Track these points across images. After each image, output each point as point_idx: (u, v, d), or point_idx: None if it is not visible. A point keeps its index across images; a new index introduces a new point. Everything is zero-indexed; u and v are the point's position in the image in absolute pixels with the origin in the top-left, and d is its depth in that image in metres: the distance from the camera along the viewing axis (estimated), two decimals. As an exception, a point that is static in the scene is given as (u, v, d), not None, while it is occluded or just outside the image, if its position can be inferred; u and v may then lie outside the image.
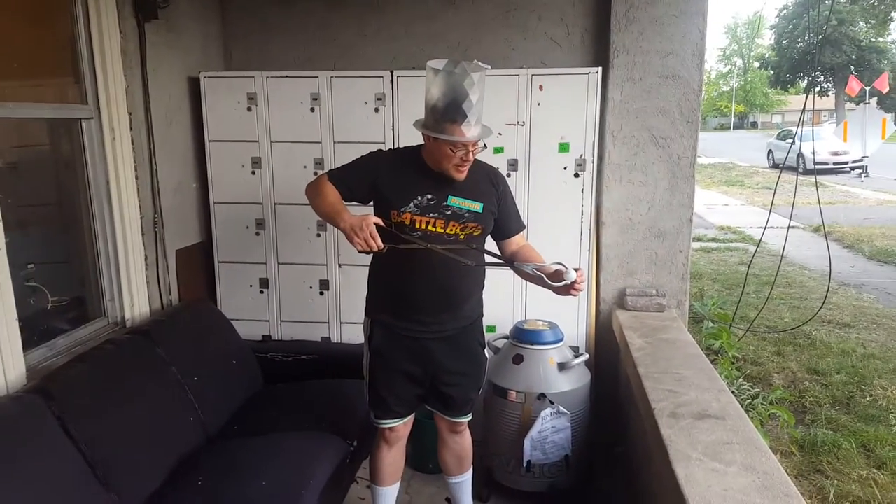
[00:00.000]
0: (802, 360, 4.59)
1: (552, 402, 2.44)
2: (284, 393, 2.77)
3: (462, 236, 2.04)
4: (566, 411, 2.45)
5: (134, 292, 2.73)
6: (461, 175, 1.98)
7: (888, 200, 12.48)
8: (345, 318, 3.13)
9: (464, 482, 2.42)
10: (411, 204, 2.00)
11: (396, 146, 2.84)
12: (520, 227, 2.21)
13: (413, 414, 2.27)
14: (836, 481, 3.03)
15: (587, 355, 2.67)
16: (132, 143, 2.70)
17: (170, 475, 2.11)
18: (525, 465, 2.48)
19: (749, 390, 3.82)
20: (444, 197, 2.01)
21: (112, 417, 2.01)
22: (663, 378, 2.19)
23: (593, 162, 2.83)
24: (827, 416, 3.73)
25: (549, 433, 2.45)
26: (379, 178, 2.04)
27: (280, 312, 3.20)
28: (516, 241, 2.19)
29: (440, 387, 2.17)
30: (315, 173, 3.01)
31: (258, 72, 3.02)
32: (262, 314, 3.21)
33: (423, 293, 2.05)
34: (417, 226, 2.00)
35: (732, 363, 3.87)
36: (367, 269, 2.23)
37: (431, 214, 2.01)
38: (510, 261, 2.06)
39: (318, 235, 3.08)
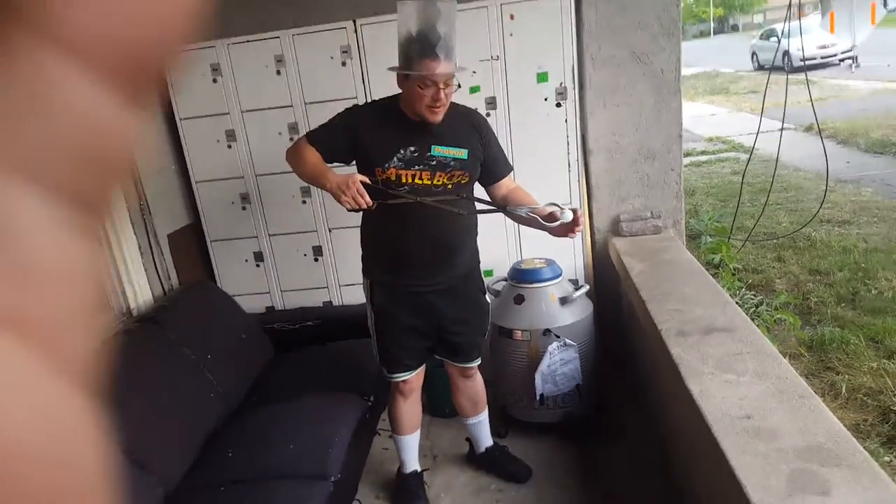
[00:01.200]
0: (804, 262, 4.59)
1: (558, 336, 2.46)
2: (296, 359, 2.82)
3: (451, 186, 2.00)
4: (573, 343, 2.47)
5: (134, 281, 2.73)
6: (436, 117, 1.90)
7: (881, 89, 12.24)
8: (343, 281, 3.13)
9: (481, 422, 2.48)
10: (395, 159, 1.95)
11: (370, 100, 2.76)
12: (508, 168, 2.18)
13: (424, 365, 2.30)
14: (847, 376, 3.07)
15: (587, 286, 2.67)
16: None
17: (200, 452, 2.18)
18: (538, 398, 2.52)
19: (752, 299, 3.84)
20: (428, 147, 1.97)
21: (138, 404, 2.05)
22: (666, 299, 2.19)
23: (574, 89, 2.76)
24: (833, 314, 3.76)
25: (558, 366, 2.48)
26: (359, 135, 1.98)
27: (279, 283, 3.19)
28: (505, 185, 2.15)
29: (447, 336, 2.20)
30: (291, 139, 2.92)
31: (218, 40, 2.91)
32: (262, 287, 3.20)
33: (418, 248, 2.04)
34: (404, 180, 1.96)
35: (734, 274, 3.88)
36: (358, 230, 2.21)
37: (417, 167, 1.97)
38: (502, 206, 2.02)
39: (304, 202, 3.04)
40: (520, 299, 2.55)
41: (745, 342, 1.81)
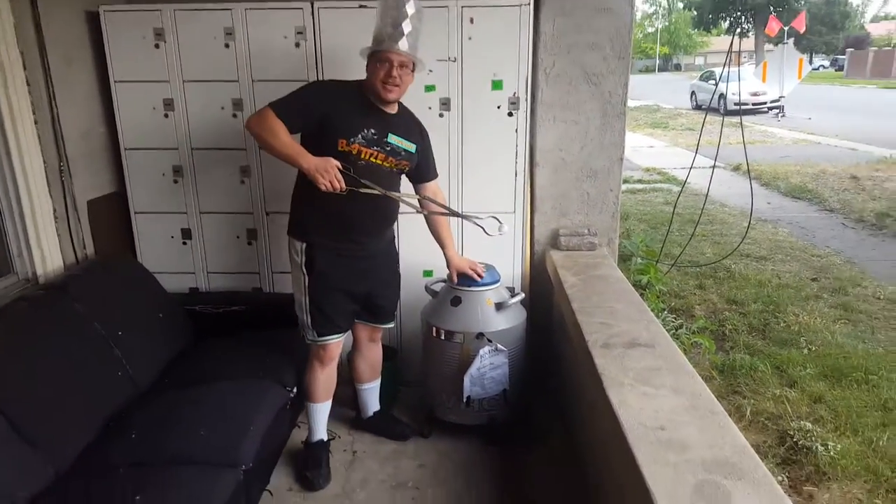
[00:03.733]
0: (722, 291, 4.83)
1: (490, 341, 2.47)
2: (217, 345, 2.69)
3: (395, 169, 2.28)
4: (504, 348, 2.49)
5: (44, 247, 2.56)
6: (388, 94, 2.14)
7: (803, 139, 13.14)
8: (276, 268, 3.03)
9: (375, 387, 2.71)
10: (359, 136, 2.14)
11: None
12: (434, 175, 2.48)
13: (347, 332, 2.42)
14: (752, 400, 3.24)
15: (523, 294, 2.70)
16: (27, 84, 2.47)
17: (101, 431, 2.04)
18: (465, 400, 2.52)
19: (673, 322, 4.01)
20: (385, 134, 2.20)
21: (33, 376, 1.91)
22: (596, 312, 2.25)
23: (527, 100, 2.79)
24: (745, 342, 3.97)
25: (487, 370, 2.49)
26: (330, 108, 2.13)
27: (206, 264, 3.06)
28: (431, 188, 2.47)
29: (374, 299, 2.42)
30: (234, 115, 2.85)
31: (165, 4, 2.77)
32: (187, 266, 3.06)
33: (362, 216, 2.23)
34: (363, 157, 2.16)
35: (658, 297, 4.03)
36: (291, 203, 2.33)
37: (375, 148, 2.18)
38: (456, 212, 2.41)
39: (243, 182, 2.93)
40: (457, 301, 2.55)
41: (664, 358, 1.89)
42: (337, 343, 2.38)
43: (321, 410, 2.47)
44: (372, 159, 2.18)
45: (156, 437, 1.97)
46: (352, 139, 2.13)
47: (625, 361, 1.86)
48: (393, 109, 2.25)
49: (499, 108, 2.80)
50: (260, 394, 2.24)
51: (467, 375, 2.47)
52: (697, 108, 19.69)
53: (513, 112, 2.80)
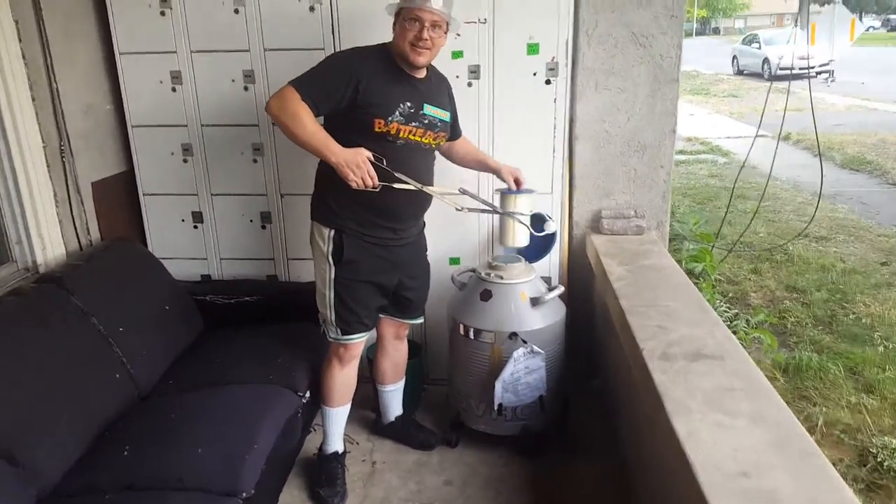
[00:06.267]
0: (781, 277, 4.44)
1: (525, 342, 2.19)
2: (226, 340, 2.48)
3: (434, 145, 2.09)
4: (540, 350, 2.21)
5: (44, 233, 2.39)
6: (418, 57, 1.92)
7: (856, 105, 12.32)
8: (292, 254, 2.80)
9: (397, 390, 2.48)
10: (397, 112, 1.93)
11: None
12: (461, 131, 2.32)
13: (371, 331, 2.22)
14: (823, 408, 2.87)
15: (562, 288, 2.40)
16: (23, 57, 2.28)
17: (94, 442, 1.84)
18: (496, 408, 2.26)
19: (726, 311, 3.66)
20: (421, 105, 1.99)
21: (17, 383, 1.72)
22: (649, 312, 1.95)
23: (567, 66, 2.47)
24: (810, 336, 3.58)
25: (521, 374, 2.22)
26: (362, 85, 1.90)
27: (218, 249, 2.85)
28: (462, 143, 2.32)
29: (402, 292, 2.22)
30: (245, 88, 2.60)
31: (167, -35, 2.52)
32: (199, 252, 2.85)
33: (401, 201, 2.01)
34: (402, 135, 1.96)
35: (714, 286, 3.68)
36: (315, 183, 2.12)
37: (413, 123, 1.97)
38: (495, 208, 2.22)
39: (255, 161, 2.69)
40: (487, 295, 2.27)
41: (737, 375, 1.58)
42: (360, 342, 2.17)
43: (338, 416, 2.24)
44: (411, 137, 1.97)
45: (149, 456, 1.76)
46: (389, 118, 1.92)
47: (689, 378, 1.56)
48: (422, 74, 2.03)
49: (535, 75, 2.48)
50: (268, 402, 2.02)
51: (499, 381, 2.20)
52: (739, 73, 18.76)
53: (551, 79, 2.48)
